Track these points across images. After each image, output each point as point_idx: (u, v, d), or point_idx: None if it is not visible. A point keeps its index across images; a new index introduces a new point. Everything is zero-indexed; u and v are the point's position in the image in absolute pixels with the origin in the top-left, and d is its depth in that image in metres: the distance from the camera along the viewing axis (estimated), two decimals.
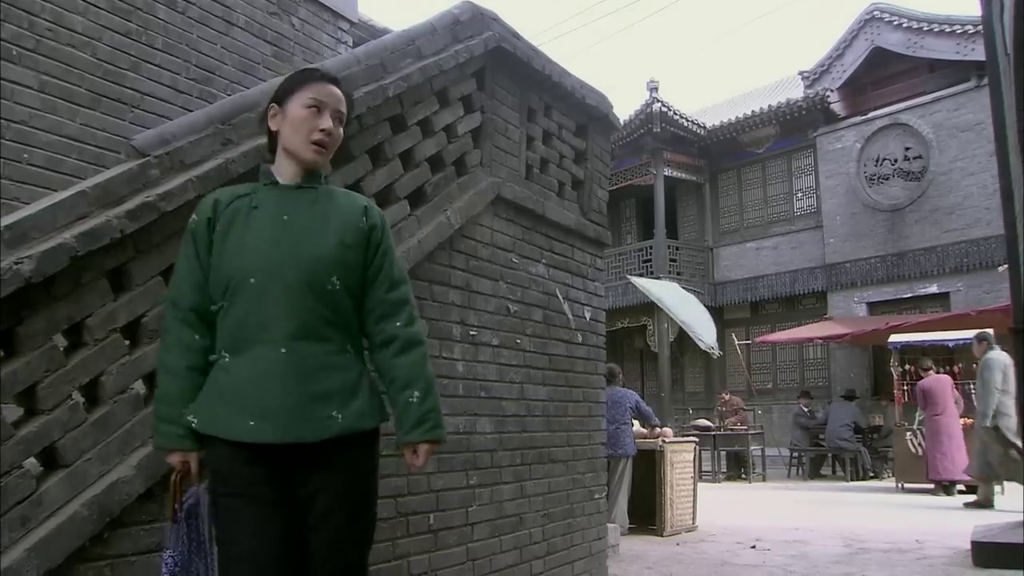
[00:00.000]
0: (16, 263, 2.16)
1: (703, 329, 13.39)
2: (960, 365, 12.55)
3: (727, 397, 16.64)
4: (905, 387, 12.82)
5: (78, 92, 4.22)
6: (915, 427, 12.18)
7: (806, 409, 15.84)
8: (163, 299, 2.18)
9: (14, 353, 2.24)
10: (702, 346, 13.13)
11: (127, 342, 2.53)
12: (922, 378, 12.41)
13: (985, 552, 6.36)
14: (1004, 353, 9.89)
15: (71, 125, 4.16)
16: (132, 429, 2.48)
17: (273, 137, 2.33)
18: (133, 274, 2.54)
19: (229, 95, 4.57)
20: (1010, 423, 9.52)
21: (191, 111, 3.87)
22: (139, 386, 2.56)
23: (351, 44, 6.13)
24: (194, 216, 2.24)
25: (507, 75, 4.41)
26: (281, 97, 2.32)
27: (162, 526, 2.49)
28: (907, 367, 13.49)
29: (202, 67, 4.96)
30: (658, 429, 8.70)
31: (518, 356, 4.37)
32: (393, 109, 3.62)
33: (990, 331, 10.55)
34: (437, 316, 3.79)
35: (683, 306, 13.75)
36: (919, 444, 12.02)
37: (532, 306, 4.51)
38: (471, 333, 4.00)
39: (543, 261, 4.65)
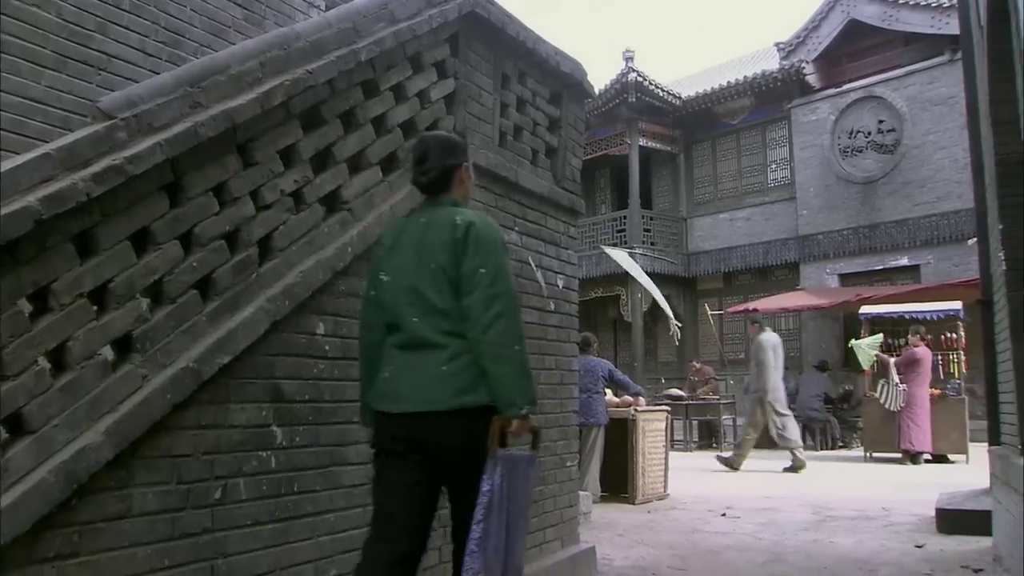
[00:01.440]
0: None
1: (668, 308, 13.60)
2: (929, 337, 12.71)
3: (698, 366, 16.76)
4: (876, 361, 12.95)
5: (42, 53, 4.12)
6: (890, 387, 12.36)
7: None
8: (514, 304, 2.77)
9: None
10: (671, 322, 13.31)
11: (94, 307, 2.49)
12: (903, 346, 12.66)
13: (949, 519, 6.50)
14: (774, 334, 11.93)
15: (35, 87, 4.06)
16: (100, 395, 2.44)
17: (451, 181, 2.97)
18: (100, 238, 2.49)
19: (199, 59, 4.50)
20: (778, 395, 11.20)
21: (160, 74, 3.80)
22: (107, 352, 2.53)
23: (323, 8, 6.04)
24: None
25: (481, 41, 4.37)
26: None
27: (131, 492, 2.49)
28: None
29: (171, 30, 4.87)
30: (637, 397, 8.75)
31: None
32: (365, 74, 3.57)
33: (761, 315, 12.52)
34: None
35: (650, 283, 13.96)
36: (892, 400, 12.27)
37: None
38: None
39: (516, 229, 4.63)
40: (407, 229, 2.93)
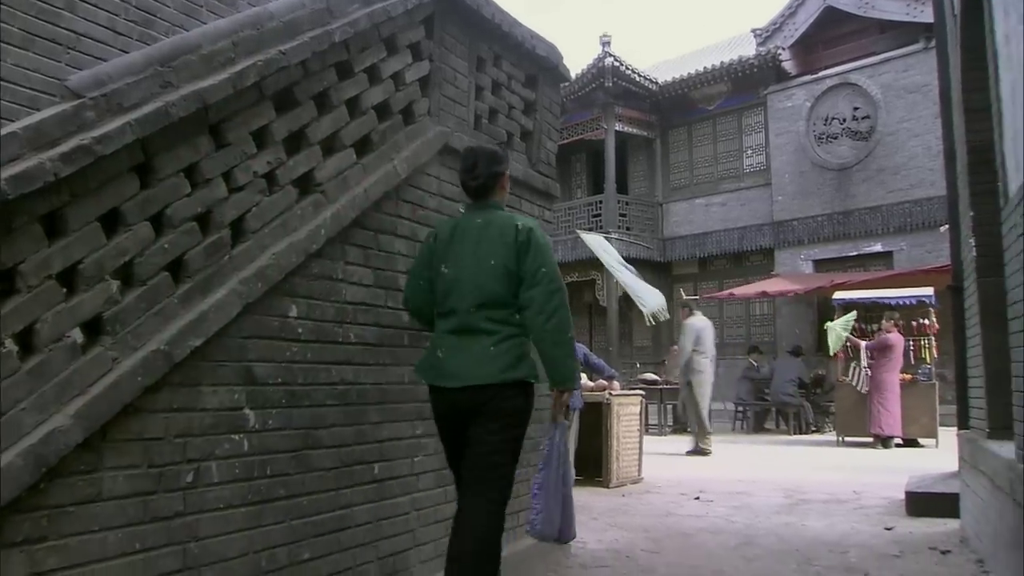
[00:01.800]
0: None
1: (647, 295, 13.58)
2: (902, 322, 12.84)
3: (676, 350, 16.78)
4: (848, 344, 13.07)
5: (9, 31, 4.05)
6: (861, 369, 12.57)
7: (755, 363, 16.14)
8: (566, 299, 3.33)
9: None
10: (644, 311, 13.32)
11: (63, 289, 2.46)
12: (876, 332, 12.81)
13: (918, 501, 6.58)
14: (703, 319, 12.01)
15: (2, 66, 3.99)
16: (69, 378, 2.41)
17: (496, 186, 3.51)
18: (69, 219, 2.45)
19: (170, 38, 4.43)
20: (702, 378, 11.47)
21: (129, 53, 3.74)
22: (76, 334, 2.50)
23: None
24: None
25: (456, 23, 4.35)
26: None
27: (101, 475, 2.47)
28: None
29: (142, 8, 4.79)
30: (611, 381, 8.77)
31: None
32: (339, 55, 3.54)
33: (693, 299, 12.94)
34: (383, 266, 3.76)
35: (626, 271, 13.95)
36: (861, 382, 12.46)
37: None
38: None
39: None
40: (463, 227, 3.44)
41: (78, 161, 2.41)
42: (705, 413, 11.57)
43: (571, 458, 3.65)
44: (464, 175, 3.53)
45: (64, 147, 2.39)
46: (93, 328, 2.54)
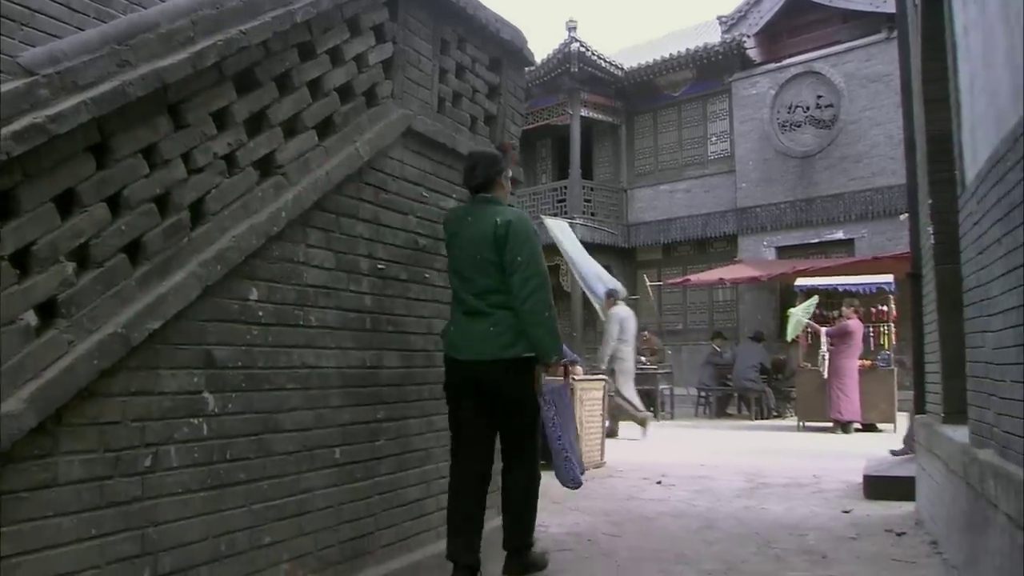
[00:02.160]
0: None
1: (600, 286, 13.61)
2: (861, 309, 13.00)
3: (647, 336, 16.85)
4: (809, 330, 13.21)
5: None
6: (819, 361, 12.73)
7: (718, 349, 16.27)
8: (544, 281, 3.93)
9: None
10: (598, 307, 13.37)
11: (16, 271, 2.41)
12: (837, 318, 12.96)
13: (875, 485, 6.69)
14: (626, 308, 11.97)
15: None
16: (22, 361, 2.36)
17: (493, 185, 4.10)
18: (21, 199, 2.40)
19: (127, 15, 4.34)
20: (624, 366, 11.41)
21: (85, 31, 3.67)
22: (30, 316, 2.45)
23: None
24: None
25: (420, 5, 4.31)
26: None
27: (56, 460, 2.43)
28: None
29: None
30: (573, 366, 8.77)
31: (427, 291, 4.34)
32: (301, 36, 3.50)
33: (620, 290, 12.76)
34: (344, 249, 3.73)
35: (584, 262, 13.96)
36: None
37: (442, 241, 4.46)
38: (379, 267, 3.96)
39: (454, 196, 4.61)
40: (461, 222, 4.04)
41: (31, 140, 2.36)
42: (633, 395, 11.56)
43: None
44: (466, 175, 4.15)
45: (16, 125, 2.34)
46: (47, 311, 2.50)
